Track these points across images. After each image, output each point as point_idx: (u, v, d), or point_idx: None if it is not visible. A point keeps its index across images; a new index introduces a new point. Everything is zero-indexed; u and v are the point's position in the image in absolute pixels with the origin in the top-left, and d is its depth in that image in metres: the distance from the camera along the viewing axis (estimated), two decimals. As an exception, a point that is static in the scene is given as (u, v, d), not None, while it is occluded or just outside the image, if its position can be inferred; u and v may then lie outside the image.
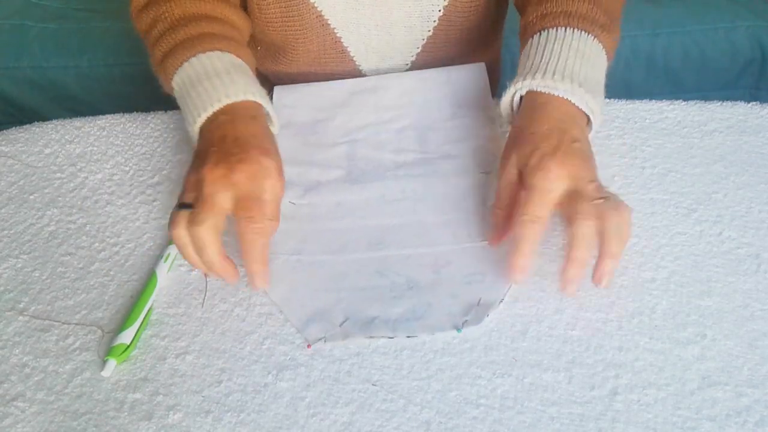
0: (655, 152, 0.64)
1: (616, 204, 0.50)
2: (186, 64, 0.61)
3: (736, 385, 0.47)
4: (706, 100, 0.69)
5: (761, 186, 0.60)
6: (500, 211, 0.55)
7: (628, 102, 0.69)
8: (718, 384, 0.47)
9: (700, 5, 1.29)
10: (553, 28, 0.60)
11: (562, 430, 0.45)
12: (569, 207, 0.50)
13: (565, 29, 0.59)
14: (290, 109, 0.72)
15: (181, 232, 0.52)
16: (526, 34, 0.64)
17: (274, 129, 0.63)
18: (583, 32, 0.59)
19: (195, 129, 0.58)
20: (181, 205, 0.53)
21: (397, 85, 0.73)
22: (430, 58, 0.79)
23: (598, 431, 0.45)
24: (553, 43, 0.59)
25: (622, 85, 1.27)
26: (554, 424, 0.46)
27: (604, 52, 0.60)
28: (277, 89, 0.74)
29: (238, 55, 0.63)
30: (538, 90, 0.56)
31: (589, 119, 0.57)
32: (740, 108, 0.68)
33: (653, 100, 0.70)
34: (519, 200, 0.53)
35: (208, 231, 0.51)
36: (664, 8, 1.29)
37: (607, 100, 0.69)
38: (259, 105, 0.60)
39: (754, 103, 0.68)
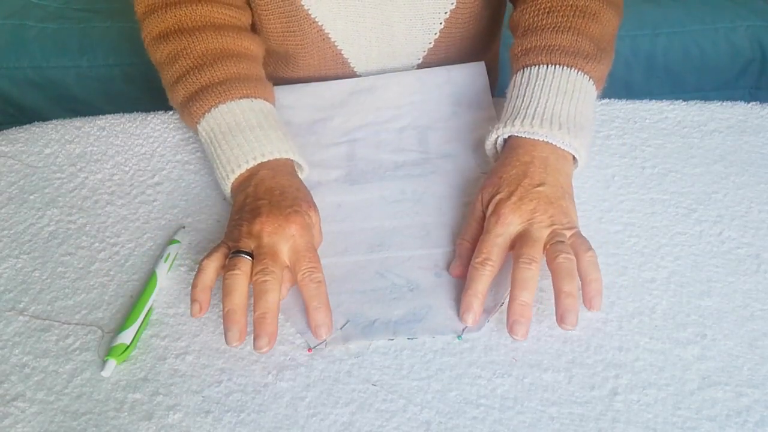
0: (655, 152, 0.64)
1: (573, 245, 0.51)
2: (215, 111, 0.62)
3: (736, 385, 0.47)
4: (706, 100, 0.69)
5: (761, 186, 0.60)
6: (466, 243, 0.55)
7: (628, 102, 0.70)
8: (718, 384, 0.47)
9: (700, 5, 1.29)
10: (535, 66, 0.60)
11: (562, 430, 0.45)
12: (517, 250, 0.51)
13: (547, 66, 0.59)
14: (290, 109, 0.72)
15: (243, 279, 0.51)
16: (512, 67, 0.64)
17: (303, 176, 0.63)
18: (565, 68, 0.59)
19: (228, 183, 0.59)
20: (237, 251, 0.52)
21: (396, 84, 0.73)
22: (431, 66, 0.79)
23: (598, 431, 0.45)
24: (534, 84, 0.59)
25: (622, 85, 1.27)
26: (554, 424, 0.46)
27: (591, 83, 0.60)
28: (276, 89, 0.74)
29: (265, 98, 0.64)
30: (517, 135, 0.57)
31: (575, 156, 0.57)
32: (740, 108, 0.68)
33: (653, 100, 0.70)
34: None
35: (276, 281, 0.51)
36: (664, 8, 1.29)
37: (607, 100, 0.69)
38: (293, 161, 0.61)
39: (754, 103, 0.68)
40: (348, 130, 0.69)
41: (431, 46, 0.77)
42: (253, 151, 0.59)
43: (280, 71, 0.81)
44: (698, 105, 0.69)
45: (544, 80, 0.58)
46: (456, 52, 0.79)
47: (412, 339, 0.51)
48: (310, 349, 0.51)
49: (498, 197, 0.54)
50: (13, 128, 0.74)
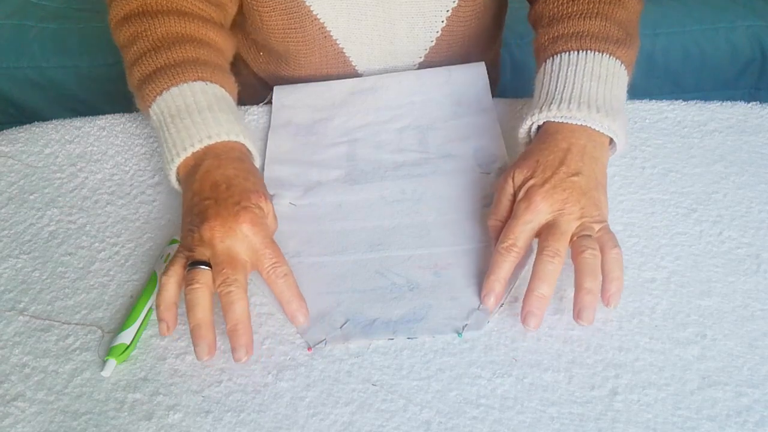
0: (655, 152, 0.64)
1: (600, 240, 0.51)
2: (166, 94, 0.59)
3: (736, 385, 0.47)
4: (706, 100, 0.69)
5: (761, 186, 0.60)
6: (499, 223, 0.55)
7: (628, 102, 0.69)
8: (718, 384, 0.47)
9: (700, 5, 1.29)
10: (565, 53, 0.59)
11: (562, 430, 0.45)
12: (542, 241, 0.51)
13: (578, 53, 0.58)
14: (290, 109, 0.72)
15: (204, 292, 0.50)
16: (539, 57, 0.63)
17: (257, 164, 0.62)
18: (597, 53, 0.58)
19: (172, 168, 0.57)
20: (194, 263, 0.51)
21: (396, 84, 0.73)
22: (432, 66, 0.79)
23: (598, 431, 0.45)
24: (567, 69, 0.58)
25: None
26: (554, 424, 0.46)
27: (623, 67, 0.59)
28: (276, 89, 0.74)
29: (222, 85, 0.62)
30: (554, 121, 0.56)
31: (612, 140, 0.57)
32: (740, 108, 0.68)
33: (653, 100, 0.70)
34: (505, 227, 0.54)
35: (240, 289, 0.50)
36: (664, 8, 1.29)
37: (607, 100, 0.69)
38: (242, 144, 0.59)
39: (754, 103, 0.68)
40: (348, 130, 0.69)
41: (433, 44, 0.76)
42: (200, 133, 0.56)
43: (282, 71, 0.80)
44: (698, 105, 0.69)
45: (576, 66, 0.58)
46: (458, 51, 0.79)
47: (412, 339, 0.51)
48: (309, 348, 0.51)
49: (531, 182, 0.53)
50: (13, 128, 0.74)
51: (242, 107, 0.74)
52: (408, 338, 0.51)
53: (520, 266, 0.54)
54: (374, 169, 0.65)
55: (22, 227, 0.63)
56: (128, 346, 0.51)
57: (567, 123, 0.56)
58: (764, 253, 0.55)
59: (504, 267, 0.51)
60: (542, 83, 0.59)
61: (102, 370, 0.50)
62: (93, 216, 0.63)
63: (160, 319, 0.51)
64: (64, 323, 0.55)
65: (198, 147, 0.56)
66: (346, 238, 0.59)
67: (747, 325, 0.50)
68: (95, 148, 0.70)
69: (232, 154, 0.57)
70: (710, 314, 0.51)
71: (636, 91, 0.64)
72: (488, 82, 0.72)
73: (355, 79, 0.75)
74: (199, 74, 0.61)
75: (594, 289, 0.49)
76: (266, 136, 0.70)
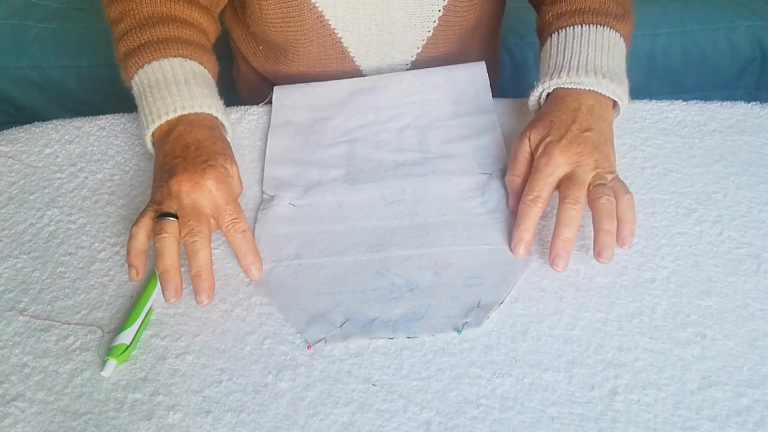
0: (655, 152, 0.64)
1: (614, 188, 0.55)
2: (147, 67, 0.63)
3: (736, 385, 0.47)
4: (706, 100, 0.69)
5: (761, 186, 0.60)
6: (518, 179, 0.60)
7: (628, 102, 0.69)
8: (718, 384, 0.47)
9: (700, 5, 1.29)
10: (570, 27, 0.64)
11: (562, 430, 0.45)
12: (563, 190, 0.56)
13: (581, 26, 0.64)
14: (290, 109, 0.72)
15: (171, 241, 0.53)
16: (543, 33, 0.68)
17: (229, 138, 0.64)
18: (599, 26, 0.63)
19: (147, 133, 0.61)
20: (162, 215, 0.54)
21: (396, 84, 0.73)
22: (430, 57, 0.79)
23: (598, 431, 0.45)
24: (572, 41, 0.63)
25: (622, 85, 1.27)
26: (554, 424, 0.46)
27: (622, 40, 0.65)
28: (276, 89, 0.74)
29: (201, 62, 0.65)
30: (564, 87, 0.61)
31: (615, 103, 0.62)
32: (740, 108, 0.68)
33: (653, 100, 0.70)
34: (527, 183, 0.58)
35: (204, 239, 0.54)
36: (664, 8, 1.29)
37: (607, 100, 0.69)
38: (214, 117, 0.62)
39: (754, 103, 0.68)
40: (348, 130, 0.69)
41: (430, 35, 0.77)
42: (174, 103, 0.60)
43: (280, 64, 0.81)
44: (698, 105, 0.69)
45: (581, 38, 0.63)
46: (455, 43, 0.79)
47: (411, 338, 0.51)
48: (309, 347, 0.51)
49: (548, 139, 0.58)
50: (13, 128, 0.74)
51: (242, 107, 0.74)
52: (408, 337, 0.51)
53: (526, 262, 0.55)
54: (374, 169, 0.65)
55: (22, 227, 0.63)
56: (128, 346, 0.51)
57: (575, 88, 0.61)
58: (764, 253, 0.55)
59: (531, 217, 0.56)
60: (549, 55, 0.64)
61: (102, 370, 0.51)
62: (93, 216, 0.63)
63: (129, 265, 0.54)
64: (64, 323, 0.55)
65: (172, 116, 0.60)
66: (346, 239, 0.59)
67: (747, 325, 0.50)
68: (95, 148, 0.71)
69: (204, 123, 0.61)
70: (710, 314, 0.51)
71: (636, 91, 0.65)
72: (488, 81, 0.72)
73: (354, 78, 0.75)
74: (180, 51, 0.64)
75: (612, 230, 0.53)
76: (266, 136, 0.70)
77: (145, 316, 0.54)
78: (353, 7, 0.74)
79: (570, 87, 0.61)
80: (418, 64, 0.80)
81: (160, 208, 0.55)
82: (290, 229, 0.60)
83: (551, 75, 0.62)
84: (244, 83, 0.92)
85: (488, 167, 0.63)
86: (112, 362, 0.51)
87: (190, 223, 0.54)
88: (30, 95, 1.32)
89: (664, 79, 1.29)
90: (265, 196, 0.63)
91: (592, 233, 0.54)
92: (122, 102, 0.73)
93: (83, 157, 0.70)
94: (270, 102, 0.73)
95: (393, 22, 0.75)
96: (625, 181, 0.60)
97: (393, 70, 0.80)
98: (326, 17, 0.74)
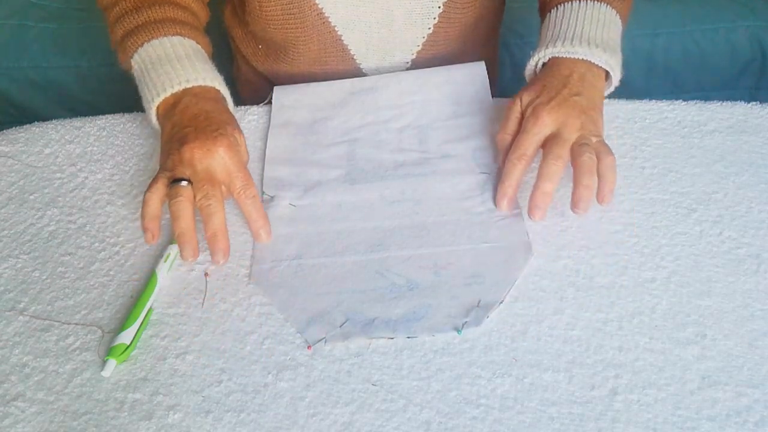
0: (655, 152, 0.64)
1: (597, 149, 0.58)
2: (147, 45, 0.65)
3: (736, 385, 0.47)
4: (706, 100, 0.69)
5: (761, 186, 0.60)
6: (508, 137, 0.62)
7: (628, 102, 0.70)
8: (718, 384, 0.47)
9: (700, 5, 1.29)
10: (568, 2, 0.67)
11: (562, 430, 0.45)
12: (547, 148, 0.59)
13: (579, 2, 0.66)
14: (290, 109, 0.72)
15: (187, 204, 0.56)
16: (544, 10, 0.71)
17: (231, 110, 0.66)
18: (596, 2, 0.66)
19: (153, 107, 0.63)
20: (176, 180, 0.57)
21: (396, 84, 0.73)
22: (430, 55, 0.79)
23: (598, 431, 0.45)
24: (569, 14, 0.66)
25: (622, 85, 1.26)
26: (554, 424, 0.46)
27: (618, 17, 0.67)
28: (276, 89, 0.74)
29: (198, 42, 0.68)
30: (559, 56, 0.64)
31: (608, 74, 0.64)
32: (740, 108, 0.68)
33: (653, 100, 0.70)
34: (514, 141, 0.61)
35: (218, 203, 0.57)
36: (664, 8, 1.29)
37: (607, 100, 0.69)
38: (218, 90, 0.65)
39: (754, 103, 0.68)
40: (348, 130, 0.69)
41: (430, 32, 0.77)
42: (179, 77, 0.63)
43: (280, 63, 0.81)
44: (698, 105, 0.69)
45: (578, 12, 0.66)
46: (455, 40, 0.79)
47: (411, 338, 0.51)
48: (309, 347, 0.51)
49: (538, 101, 0.61)
50: (13, 128, 0.74)
51: (242, 107, 0.74)
52: (408, 337, 0.51)
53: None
54: (374, 169, 0.65)
55: (22, 227, 0.63)
56: (128, 346, 0.51)
57: (569, 57, 0.63)
58: (764, 253, 0.55)
59: (515, 173, 0.59)
60: (547, 28, 0.67)
61: (102, 370, 0.51)
62: (93, 216, 0.63)
63: (145, 229, 0.57)
64: (64, 323, 0.55)
65: (177, 89, 0.62)
66: (346, 239, 0.59)
67: (747, 325, 0.50)
68: (95, 148, 0.71)
69: (208, 95, 0.63)
70: (710, 314, 0.51)
71: (636, 91, 0.65)
72: (488, 81, 0.72)
73: (354, 79, 0.75)
74: (178, 30, 0.66)
75: (590, 185, 0.56)
76: (266, 136, 0.70)
77: (145, 316, 0.54)
78: (354, 5, 0.74)
79: (564, 56, 0.63)
80: (418, 63, 0.80)
81: (173, 174, 0.57)
82: (290, 229, 0.60)
83: (547, 45, 0.65)
84: (244, 83, 0.92)
85: (488, 167, 0.63)
86: (112, 362, 0.51)
87: (204, 187, 0.56)
88: (30, 95, 1.32)
89: (664, 79, 1.29)
90: (265, 196, 0.63)
91: (592, 234, 0.54)
92: (122, 102, 0.73)
93: (83, 157, 0.70)
94: (270, 102, 0.73)
95: (393, 19, 0.75)
96: (625, 181, 0.61)
97: (393, 68, 0.80)
98: (326, 14, 0.74)
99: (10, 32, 1.32)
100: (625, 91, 0.67)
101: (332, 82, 0.74)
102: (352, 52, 0.78)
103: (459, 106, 0.70)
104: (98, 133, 0.72)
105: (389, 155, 0.66)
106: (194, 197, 0.57)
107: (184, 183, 0.57)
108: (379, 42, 0.77)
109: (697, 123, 0.67)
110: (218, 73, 0.66)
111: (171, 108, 0.62)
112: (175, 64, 0.63)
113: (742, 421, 0.45)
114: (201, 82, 0.63)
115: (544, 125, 0.59)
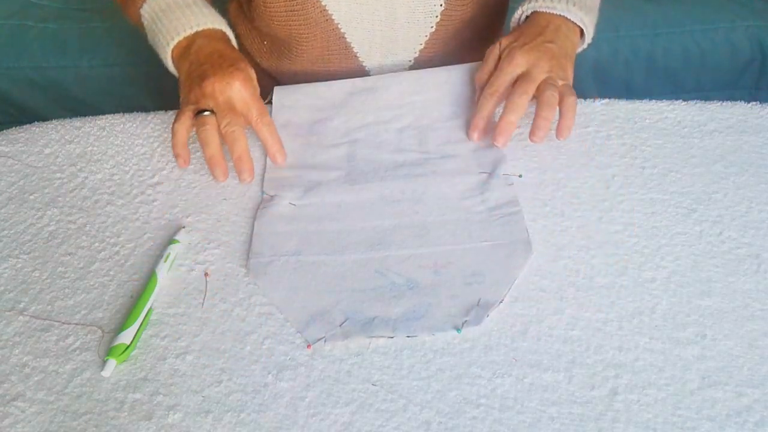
0: (655, 152, 0.64)
1: (561, 90, 0.63)
2: None
3: (736, 385, 0.47)
4: (706, 100, 0.69)
5: (761, 186, 0.60)
6: (485, 75, 0.68)
7: (628, 102, 0.70)
8: (718, 384, 0.47)
9: (700, 5, 1.29)
10: None
11: (562, 430, 0.45)
12: (516, 85, 0.64)
13: None
14: (290, 109, 0.72)
15: (214, 131, 0.62)
16: None
17: None
18: None
19: (168, 50, 0.69)
20: (201, 111, 0.63)
21: (396, 84, 0.73)
22: (433, 53, 0.79)
23: (598, 431, 0.45)
24: None
25: (622, 85, 1.27)
26: (554, 424, 0.46)
27: None
28: (277, 89, 0.74)
29: None
30: (540, 10, 0.70)
31: (582, 33, 0.70)
32: (740, 108, 0.68)
33: (653, 100, 0.70)
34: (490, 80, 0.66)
35: (241, 129, 0.63)
36: (664, 8, 1.29)
37: (607, 100, 0.69)
38: (224, 32, 0.71)
39: (754, 103, 0.68)
40: (348, 131, 0.69)
41: (433, 30, 0.78)
42: (189, 22, 0.69)
43: (283, 62, 0.81)
44: (698, 105, 0.69)
45: None
46: (457, 38, 0.79)
47: (411, 337, 0.51)
48: (309, 346, 0.51)
49: (514, 44, 0.67)
50: (13, 128, 0.74)
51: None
52: (407, 336, 0.51)
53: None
54: (374, 170, 0.65)
55: (22, 227, 0.63)
56: (128, 346, 0.51)
57: (548, 12, 0.69)
58: (764, 253, 0.55)
59: (487, 107, 0.65)
60: None
61: (102, 370, 0.51)
62: (93, 216, 0.63)
63: (176, 155, 0.64)
64: (64, 323, 0.55)
65: (189, 32, 0.68)
66: (346, 238, 0.59)
67: (747, 325, 0.50)
68: (95, 148, 0.71)
69: (218, 36, 0.70)
70: (710, 314, 0.51)
71: (636, 91, 0.65)
72: (488, 82, 0.72)
73: (355, 79, 0.75)
74: None
75: (549, 117, 0.62)
76: (266, 136, 0.70)
77: (145, 316, 0.54)
78: (357, 2, 0.74)
79: (544, 11, 0.69)
80: (421, 61, 0.80)
81: (197, 107, 0.64)
82: (290, 227, 0.60)
83: (530, 1, 0.70)
84: None
85: (488, 167, 0.63)
86: (112, 362, 0.51)
87: (227, 116, 0.63)
88: (30, 95, 1.32)
89: (664, 79, 1.29)
90: (264, 196, 0.63)
91: (592, 234, 0.54)
92: (122, 102, 0.73)
93: (83, 157, 0.70)
94: (270, 102, 0.73)
95: (396, 18, 0.76)
96: (625, 181, 0.61)
97: (396, 66, 0.80)
98: (330, 12, 0.74)
99: (10, 32, 1.32)
100: (625, 91, 0.68)
101: (332, 82, 0.74)
102: (355, 50, 0.78)
103: (459, 106, 0.70)
104: (98, 133, 0.72)
105: (389, 156, 0.66)
106: (218, 125, 0.63)
107: (207, 113, 0.63)
108: (382, 40, 0.77)
109: (697, 123, 0.67)
110: (222, 17, 0.72)
111: (185, 50, 0.68)
112: (185, 11, 0.69)
113: (742, 421, 0.45)
114: (210, 26, 0.69)
115: (516, 65, 0.65)
